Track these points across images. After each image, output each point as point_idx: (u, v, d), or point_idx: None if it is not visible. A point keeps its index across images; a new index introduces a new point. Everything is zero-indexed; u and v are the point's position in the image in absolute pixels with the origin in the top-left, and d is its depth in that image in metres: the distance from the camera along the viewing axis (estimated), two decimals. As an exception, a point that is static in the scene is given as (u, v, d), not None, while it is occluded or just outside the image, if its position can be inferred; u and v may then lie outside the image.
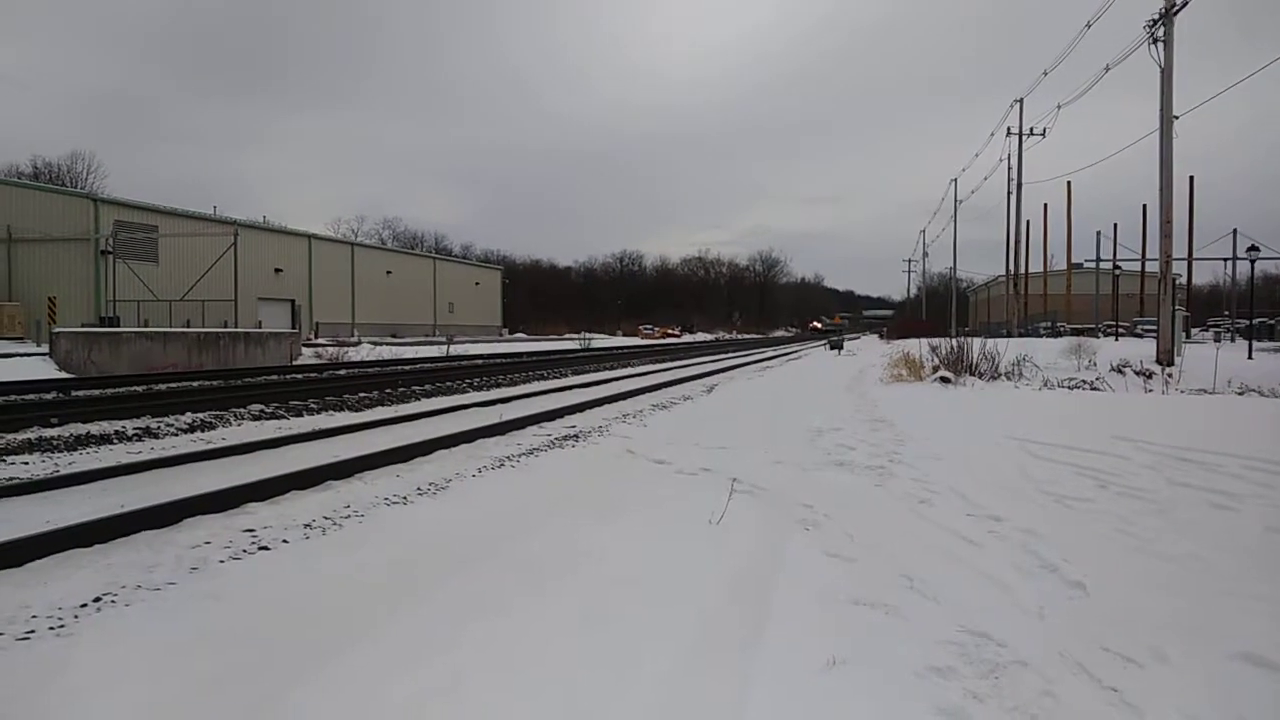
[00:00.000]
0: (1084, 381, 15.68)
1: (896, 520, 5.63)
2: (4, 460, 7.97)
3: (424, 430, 9.85)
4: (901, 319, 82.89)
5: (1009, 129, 43.74)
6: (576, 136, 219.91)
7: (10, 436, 9.01)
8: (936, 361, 17.73)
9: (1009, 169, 44.56)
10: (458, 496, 6.42)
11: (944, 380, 15.92)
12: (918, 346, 20.81)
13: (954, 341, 18.50)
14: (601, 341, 56.55)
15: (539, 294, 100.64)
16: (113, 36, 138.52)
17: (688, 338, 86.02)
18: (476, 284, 76.43)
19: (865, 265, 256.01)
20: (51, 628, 3.59)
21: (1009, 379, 16.64)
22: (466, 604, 3.82)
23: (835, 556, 4.72)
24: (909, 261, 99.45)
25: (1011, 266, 46.80)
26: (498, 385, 18.21)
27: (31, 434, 9.23)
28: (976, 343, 18.10)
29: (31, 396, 12.73)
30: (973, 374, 16.72)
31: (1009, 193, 44.80)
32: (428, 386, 16.65)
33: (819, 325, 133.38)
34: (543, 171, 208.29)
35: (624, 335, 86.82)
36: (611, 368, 26.09)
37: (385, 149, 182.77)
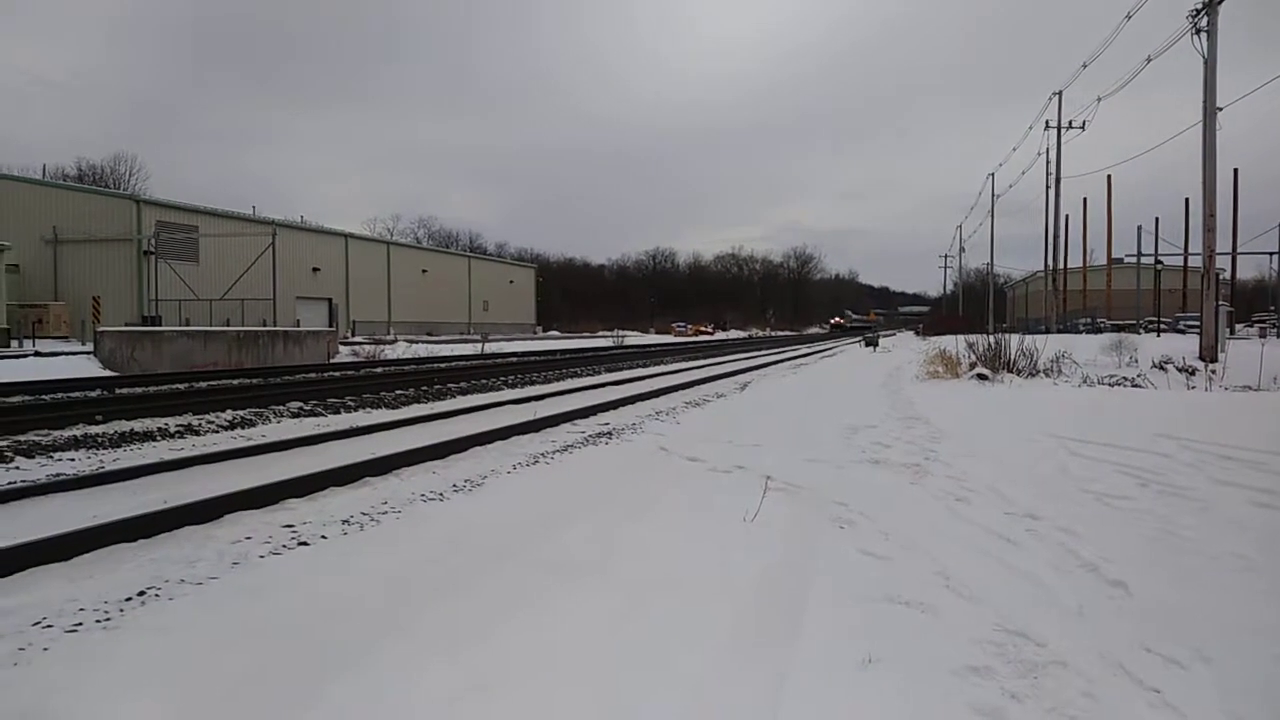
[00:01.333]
0: (1125, 378, 15.42)
1: (932, 518, 5.59)
2: (51, 456, 8.16)
3: (459, 427, 9.93)
4: (938, 315, 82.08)
5: (1047, 122, 43.19)
6: (609, 134, 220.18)
7: (56, 433, 9.21)
8: (973, 358, 17.54)
9: (1047, 163, 44.02)
10: (493, 493, 6.46)
11: (981, 377, 15.75)
12: (954, 343, 20.60)
13: (991, 338, 18.26)
14: (634, 339, 56.59)
15: (572, 292, 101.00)
16: (156, 40, 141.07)
17: (721, 335, 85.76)
18: (510, 282, 76.85)
19: (901, 261, 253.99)
20: (98, 620, 3.67)
21: (1048, 376, 16.41)
22: (502, 600, 3.85)
23: (870, 555, 4.69)
24: (945, 257, 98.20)
25: (1050, 262, 46.15)
26: (531, 383, 18.30)
27: (77, 431, 9.42)
28: (1014, 339, 17.86)
29: (77, 394, 12.99)
30: (1010, 371, 16.52)
31: (1047, 187, 44.26)
32: (463, 384, 16.77)
33: (843, 321, 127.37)
34: (576, 170, 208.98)
35: (657, 333, 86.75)
36: (644, 365, 26.11)
37: (420, 148, 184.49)
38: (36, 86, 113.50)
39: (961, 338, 20.90)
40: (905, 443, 8.66)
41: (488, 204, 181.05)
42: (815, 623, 3.63)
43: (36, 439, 8.78)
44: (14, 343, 31.78)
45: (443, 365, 22.12)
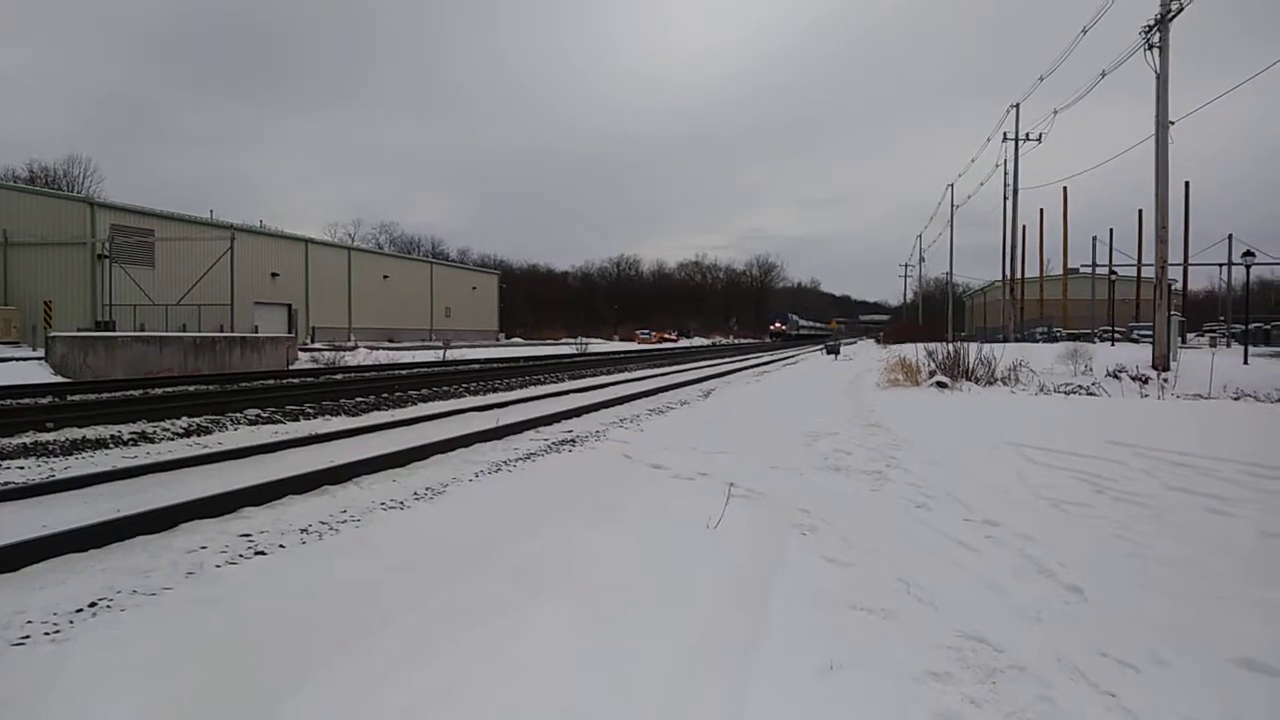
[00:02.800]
0: (1080, 387, 15.72)
1: (893, 525, 5.64)
2: (-1, 465, 7.95)
3: (421, 435, 9.84)
4: (898, 324, 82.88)
5: (1005, 134, 43.91)
6: (574, 139, 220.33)
7: (5, 441, 8.99)
8: (933, 366, 17.77)
9: (1005, 174, 44.72)
10: (455, 501, 6.41)
11: (940, 385, 15.94)
12: (914, 351, 20.84)
13: (950, 346, 18.52)
14: (598, 346, 56.56)
15: (536, 299, 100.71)
16: (110, 38, 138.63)
17: (684, 343, 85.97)
18: (473, 288, 76.43)
19: (862, 270, 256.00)
20: (47, 633, 3.58)
21: (1005, 384, 16.67)
22: (464, 609, 3.82)
23: (832, 561, 4.72)
24: (905, 266, 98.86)
25: (1008, 271, 46.88)
26: (494, 390, 18.20)
27: (27, 438, 9.20)
28: (973, 348, 18.13)
29: (27, 401, 12.69)
30: (969, 379, 16.75)
31: (1005, 198, 44.95)
32: (424, 391, 16.63)
33: (784, 328, 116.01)
34: (540, 176, 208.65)
35: (620, 340, 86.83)
36: (608, 372, 26.09)
37: (382, 152, 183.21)
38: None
39: (921, 346, 21.17)
40: (866, 450, 8.73)
41: (451, 210, 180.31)
42: (778, 629, 3.64)
43: (-17, 447, 8.55)
44: (-39, 348, 30.96)
45: (404, 372, 21.94)
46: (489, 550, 4.84)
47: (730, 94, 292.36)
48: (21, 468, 7.87)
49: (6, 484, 6.81)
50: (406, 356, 33.39)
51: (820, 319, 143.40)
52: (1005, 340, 34.11)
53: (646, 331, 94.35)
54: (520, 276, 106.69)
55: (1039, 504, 6.17)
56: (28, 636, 3.53)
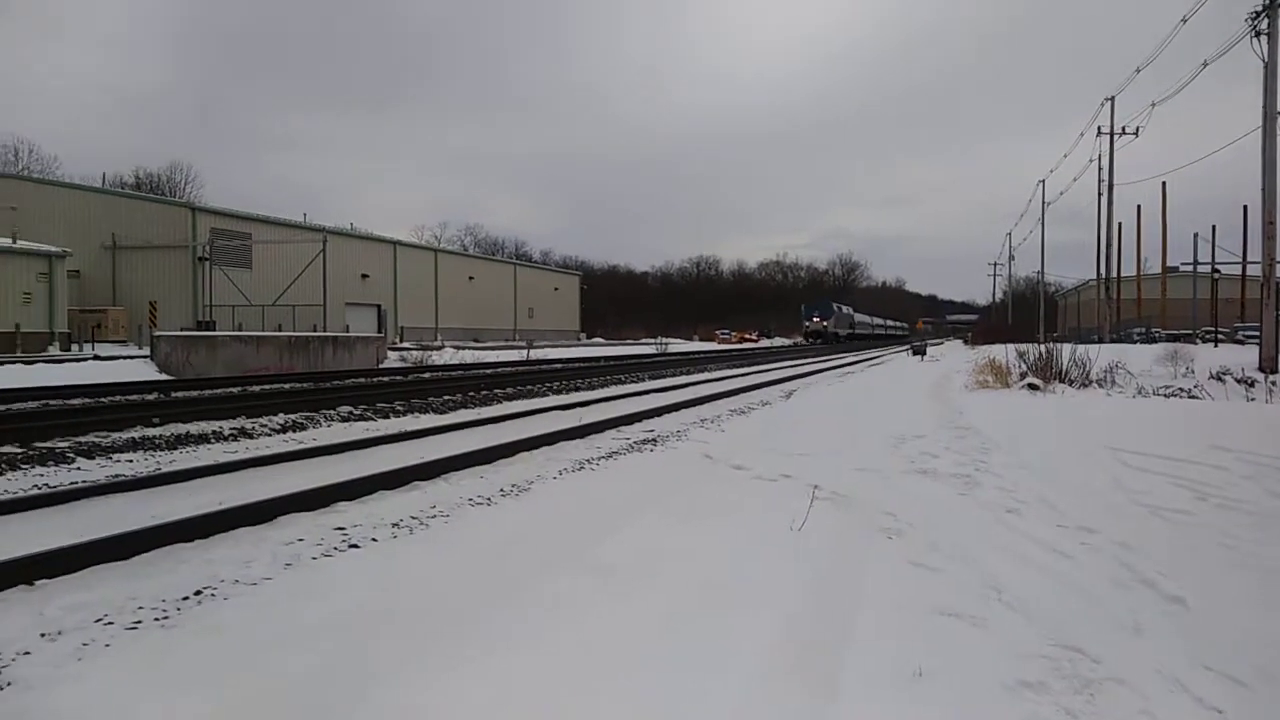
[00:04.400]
0: (1181, 389, 15.06)
1: (983, 530, 5.51)
2: (110, 458, 8.37)
3: (506, 433, 10.01)
4: (987, 324, 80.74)
5: (1100, 128, 42.42)
6: (654, 141, 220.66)
7: (115, 435, 9.46)
8: (1024, 368, 17.26)
9: (1100, 169, 43.18)
10: (540, 498, 6.50)
11: (1032, 387, 15.48)
12: (1004, 352, 20.29)
13: (1043, 347, 17.96)
14: (678, 346, 56.58)
15: (616, 299, 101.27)
16: (212, 53, 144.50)
17: (765, 343, 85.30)
18: (555, 289, 77.31)
19: (949, 269, 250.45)
20: (157, 619, 3.76)
21: (1101, 386, 16.09)
22: (550, 605, 3.87)
23: (919, 565, 4.64)
24: (995, 265, 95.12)
25: (1103, 270, 45.25)
26: (576, 389, 18.38)
27: (135, 433, 9.67)
28: (1066, 348, 17.55)
29: (135, 397, 13.34)
30: (1062, 381, 16.21)
31: (1100, 194, 43.42)
32: (509, 390, 16.91)
33: (823, 325, 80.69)
34: (621, 177, 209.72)
35: (700, 340, 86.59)
36: (688, 372, 26.08)
37: (469, 155, 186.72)
38: (99, 96, 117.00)
39: (1011, 347, 20.58)
40: (955, 453, 8.54)
41: (533, 211, 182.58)
42: (863, 633, 3.60)
43: (96, 440, 9.02)
44: (74, 346, 32.73)
45: (489, 371, 22.33)
46: (573, 548, 4.90)
47: (810, 92, 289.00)
48: (130, 461, 8.27)
49: (117, 477, 7.18)
50: (491, 356, 33.99)
51: (897, 315, 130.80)
52: (1100, 341, 32.95)
53: (726, 331, 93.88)
54: (601, 277, 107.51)
55: (1137, 510, 5.95)
56: (139, 622, 3.72)
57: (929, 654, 3.37)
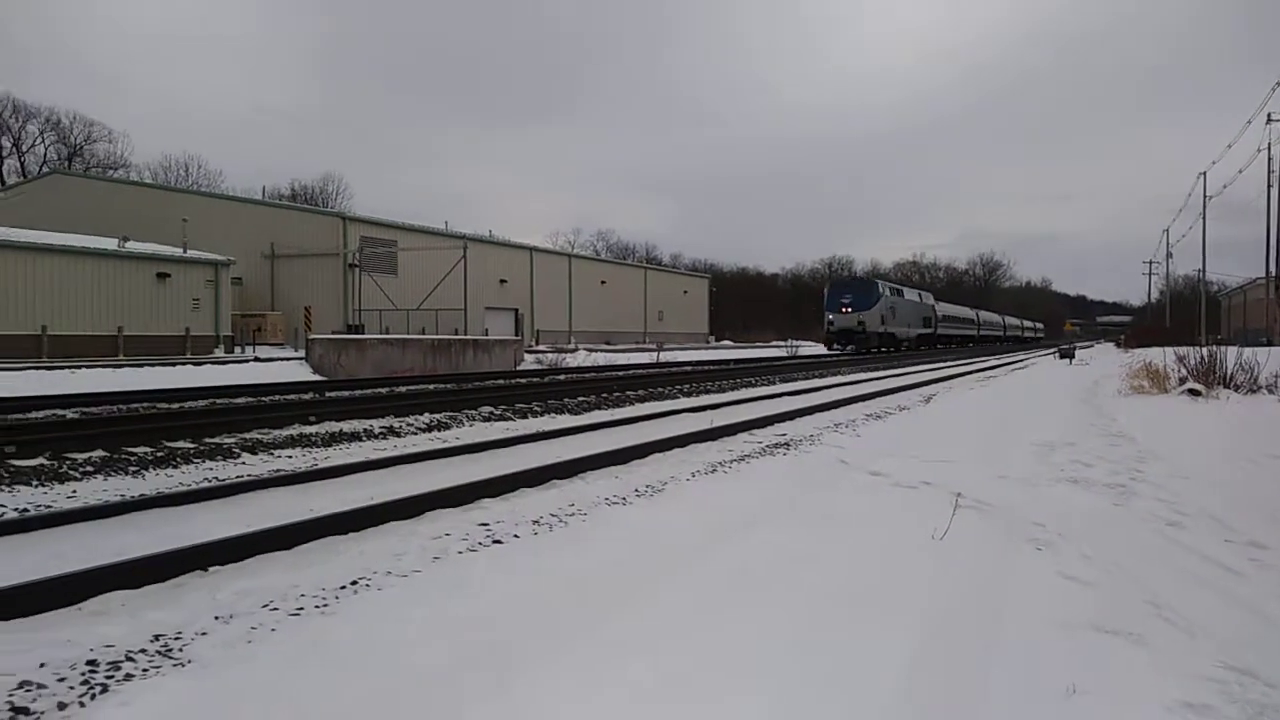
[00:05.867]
0: (1367, 396, 13.82)
1: (1141, 543, 5.21)
2: (271, 453, 8.93)
3: (638, 434, 10.12)
4: (1141, 326, 76.07)
5: (1270, 115, 39.35)
6: (781, 142, 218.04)
7: (276, 432, 10.08)
8: (1184, 372, 16.21)
9: (1269, 159, 40.06)
10: (673, 499, 6.54)
11: (1193, 393, 14.53)
12: (1161, 355, 19.11)
13: (1204, 350, 16.81)
14: (809, 349, 55.67)
15: (746, 301, 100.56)
16: (358, 67, 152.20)
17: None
18: (685, 292, 77.55)
19: (1098, 268, 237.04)
20: (317, 606, 3.98)
21: (1271, 393, 14.93)
22: (685, 607, 3.89)
23: (1071, 579, 4.43)
24: (1150, 263, 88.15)
25: (1272, 267, 41.96)
26: (706, 391, 18.39)
27: (293, 430, 10.27)
28: (1231, 352, 16.38)
29: (292, 397, 14.17)
30: (1227, 386, 15.14)
31: (1270, 185, 40.28)
32: (640, 392, 17.08)
33: (859, 321, 47.00)
34: (749, 179, 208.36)
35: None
36: (820, 376, 25.68)
37: (601, 162, 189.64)
38: (259, 115, 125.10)
39: (1169, 350, 19.35)
40: (1108, 462, 8.11)
41: (664, 215, 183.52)
42: (1011, 647, 3.47)
43: (259, 437, 9.64)
44: (237, 349, 35.06)
45: (621, 374, 22.61)
46: (706, 549, 4.91)
47: (943, 83, 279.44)
48: (290, 457, 8.79)
49: (278, 472, 7.64)
50: (622, 358, 34.42)
51: (1039, 316, 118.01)
52: (1270, 344, 30.57)
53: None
54: (730, 279, 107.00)
55: (1318, 527, 5.51)
56: (301, 609, 3.95)
57: (1083, 671, 3.21)
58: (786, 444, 9.71)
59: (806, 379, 23.90)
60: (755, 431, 10.87)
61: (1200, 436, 9.64)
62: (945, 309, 67.81)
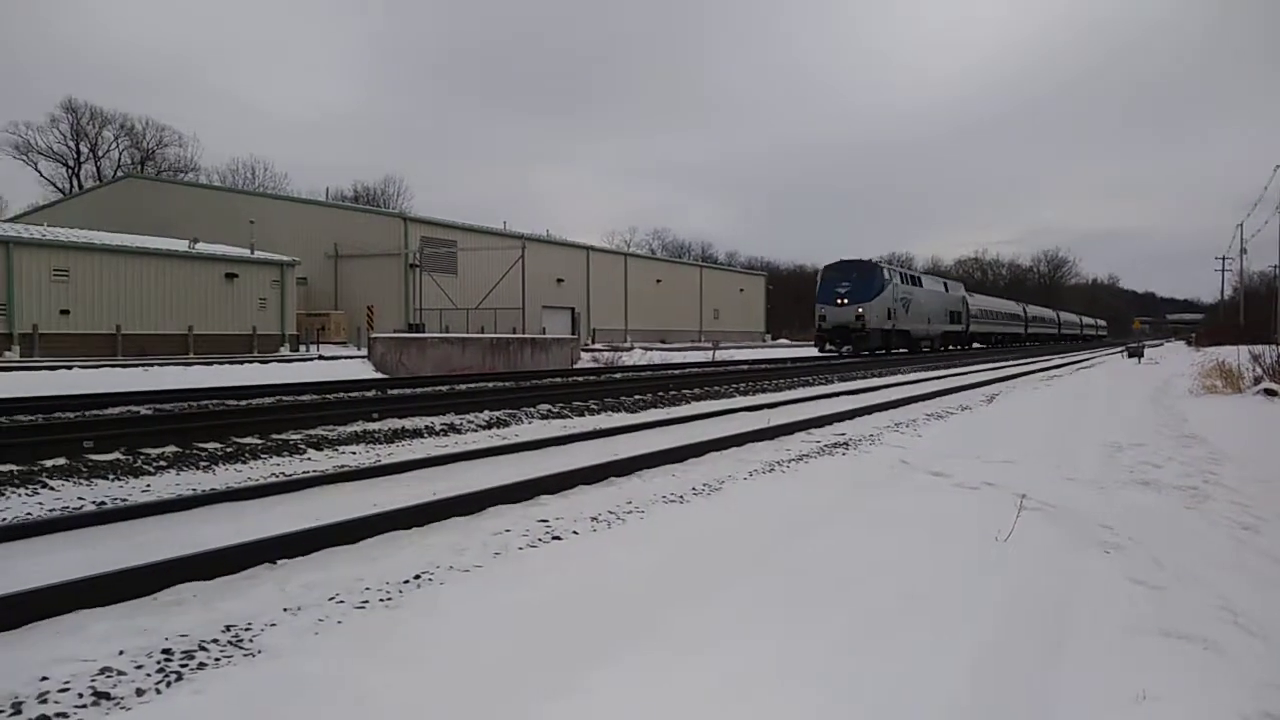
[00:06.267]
0: None
1: (1214, 547, 5.06)
2: (336, 449, 9.12)
3: (695, 432, 10.12)
4: (1214, 324, 73.63)
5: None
6: (837, 140, 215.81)
7: (340, 429, 10.28)
8: (1259, 371, 15.69)
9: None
10: (730, 498, 6.53)
11: (1269, 393, 14.05)
12: (1234, 354, 18.50)
13: (1281, 348, 16.24)
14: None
15: (802, 300, 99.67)
16: (416, 69, 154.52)
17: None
18: (740, 290, 77.23)
19: (1168, 264, 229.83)
20: (381, 599, 4.06)
21: (1356, 393, 14.36)
22: (744, 607, 3.89)
23: (1141, 583, 4.32)
24: (1223, 259, 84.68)
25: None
26: (763, 390, 18.30)
27: (357, 427, 10.47)
28: (1312, 350, 15.80)
29: (355, 394, 14.45)
30: (1306, 386, 14.61)
31: (1355, 176, 38.62)
32: (696, 390, 17.06)
33: (859, 316, 38.00)
34: (805, 177, 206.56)
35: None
36: (879, 375, 25.35)
37: (656, 161, 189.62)
38: (323, 117, 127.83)
39: (1244, 348, 18.72)
40: (1179, 464, 7.89)
41: (720, 214, 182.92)
42: (1078, 652, 3.40)
43: (324, 433, 9.84)
44: (301, 347, 35.86)
45: (676, 372, 22.61)
46: (764, 549, 4.89)
47: (1005, 76, 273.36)
48: (353, 453, 8.98)
49: (342, 468, 7.80)
50: (678, 357, 34.43)
51: (1102, 314, 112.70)
52: (1355, 342, 29.35)
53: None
54: (786, 277, 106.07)
55: (1406, 533, 5.29)
56: (367, 601, 4.03)
57: (1154, 677, 3.14)
58: (845, 443, 9.62)
59: (864, 378, 23.62)
60: (813, 431, 10.78)
61: (1277, 438, 9.32)
62: (981, 302, 59.17)
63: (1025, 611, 3.91)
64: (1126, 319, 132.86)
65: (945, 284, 51.57)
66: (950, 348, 48.78)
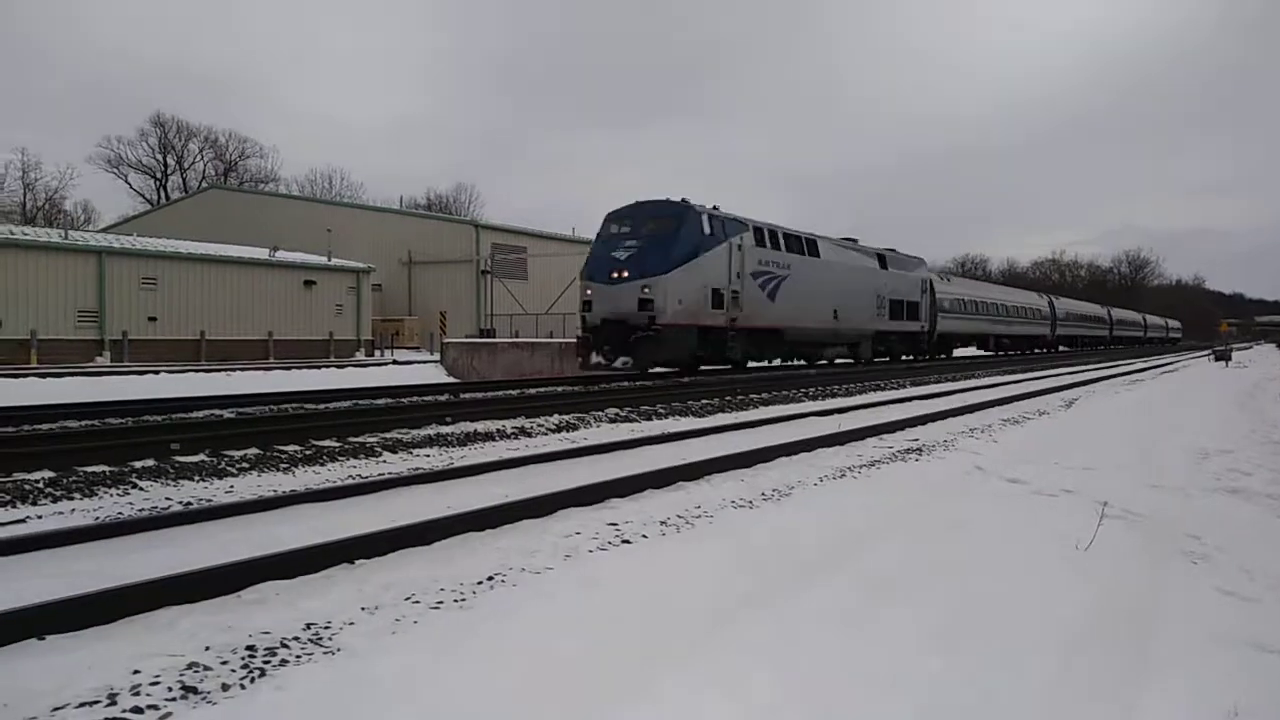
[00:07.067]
0: None
1: (1310, 559, 4.85)
2: (411, 452, 9.29)
3: (763, 437, 10.05)
4: (1310, 325, 70.39)
5: None
6: (912, 138, 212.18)
7: (414, 432, 10.47)
8: (1360, 375, 14.96)
9: None
10: (800, 504, 6.48)
11: (1371, 398, 13.38)
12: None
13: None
14: (942, 351, 53.85)
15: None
16: (489, 78, 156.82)
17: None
18: (810, 293, 76.42)
19: (1258, 265, 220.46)
20: (455, 600, 4.14)
21: None
22: (815, 614, 3.86)
23: (1231, 594, 4.17)
24: None
25: None
26: (833, 395, 18.09)
27: (430, 430, 10.65)
28: None
29: (429, 398, 14.69)
30: None
31: None
32: (764, 395, 16.94)
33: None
34: (879, 176, 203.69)
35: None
36: (953, 379, 24.86)
37: (721, 159, 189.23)
38: (397, 127, 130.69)
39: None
40: (1270, 470, 7.59)
41: (791, 216, 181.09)
42: (1168, 664, 3.30)
43: (399, 437, 10.04)
44: (376, 352, 36.67)
45: (744, 376, 22.48)
46: (836, 556, 4.85)
47: (1084, 77, 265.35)
48: (427, 455, 9.14)
49: (417, 470, 7.95)
50: (746, 361, 34.09)
51: (1182, 316, 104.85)
52: None
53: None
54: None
55: None
56: (441, 602, 4.11)
57: (1246, 691, 3.03)
58: (918, 449, 9.47)
59: (938, 381, 23.19)
60: (885, 436, 10.63)
61: (1379, 446, 8.89)
62: (961, 289, 38.48)
63: (1108, 623, 3.81)
64: (1210, 320, 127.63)
65: (881, 256, 29.80)
66: (911, 356, 32.66)
